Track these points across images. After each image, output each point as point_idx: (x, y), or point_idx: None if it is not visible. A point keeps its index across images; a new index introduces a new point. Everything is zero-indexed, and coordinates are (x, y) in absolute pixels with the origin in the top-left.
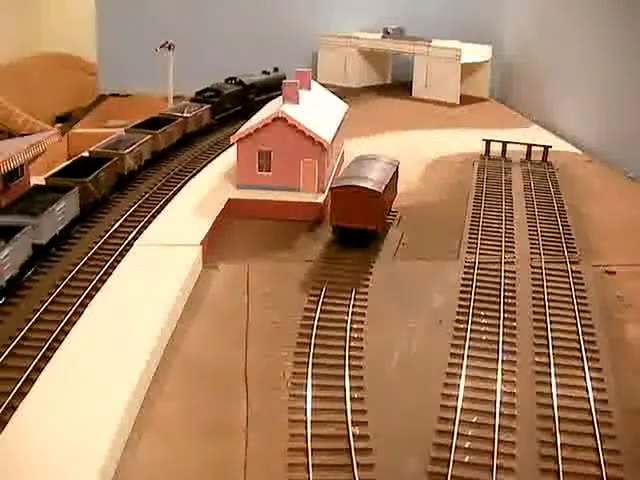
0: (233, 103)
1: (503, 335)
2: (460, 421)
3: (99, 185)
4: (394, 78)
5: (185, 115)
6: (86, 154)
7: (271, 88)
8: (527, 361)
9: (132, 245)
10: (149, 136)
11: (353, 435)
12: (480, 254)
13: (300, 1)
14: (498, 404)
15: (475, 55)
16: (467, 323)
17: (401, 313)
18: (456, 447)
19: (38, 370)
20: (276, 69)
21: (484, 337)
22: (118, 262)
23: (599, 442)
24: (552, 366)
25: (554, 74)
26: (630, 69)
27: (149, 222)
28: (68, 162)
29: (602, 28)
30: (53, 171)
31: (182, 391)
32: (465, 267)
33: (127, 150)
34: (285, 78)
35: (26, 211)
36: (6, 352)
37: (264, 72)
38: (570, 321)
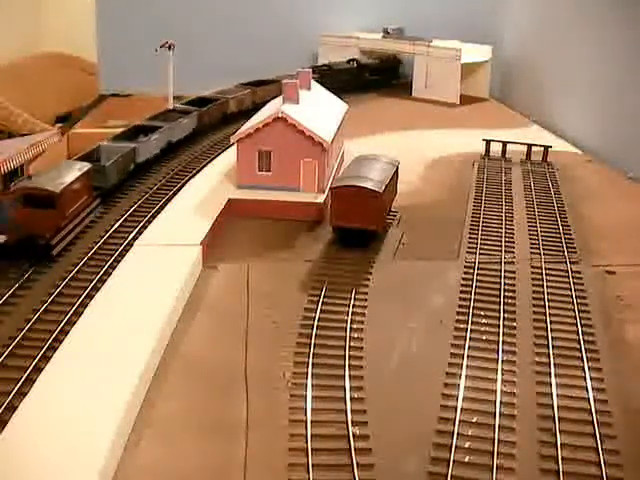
0: (345, 78)
1: (503, 335)
2: (460, 421)
3: (210, 115)
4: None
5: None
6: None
7: (384, 70)
8: (527, 361)
9: (132, 245)
10: (248, 90)
11: (353, 435)
12: (480, 254)
13: (300, 1)
14: (498, 404)
15: (475, 55)
16: (467, 323)
17: (401, 313)
18: (456, 447)
19: (38, 370)
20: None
21: (484, 337)
22: (118, 262)
23: (599, 442)
24: (552, 366)
25: (554, 74)
26: (630, 69)
27: (149, 222)
28: (191, 99)
29: (602, 28)
30: (182, 101)
31: (182, 391)
32: (465, 267)
33: (231, 96)
34: (400, 63)
35: (164, 120)
36: (6, 352)
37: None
38: (570, 321)
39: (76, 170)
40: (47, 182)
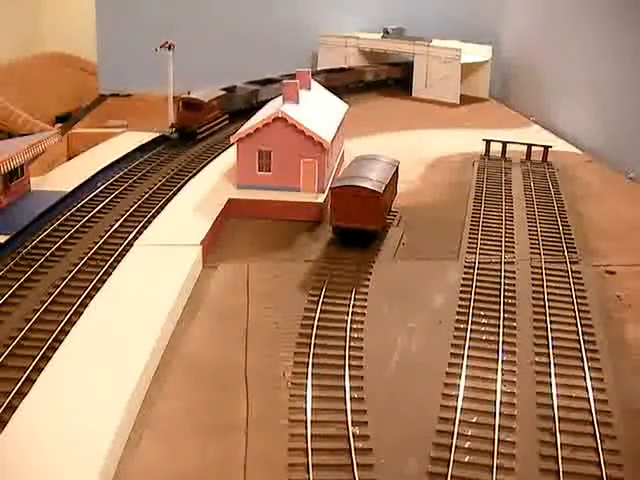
0: None
1: (503, 335)
2: (460, 421)
3: (335, 80)
4: None
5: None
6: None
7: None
8: (527, 361)
9: (132, 245)
10: (375, 68)
11: (353, 435)
12: (480, 254)
13: (300, 1)
14: (498, 404)
15: (475, 55)
16: (467, 323)
17: (401, 313)
18: (456, 447)
19: (38, 370)
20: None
21: (484, 337)
22: (118, 262)
23: (599, 442)
24: (552, 366)
25: (554, 74)
26: (630, 69)
27: (149, 222)
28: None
29: (602, 28)
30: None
31: (182, 391)
32: (465, 267)
33: (368, 69)
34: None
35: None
36: (6, 352)
37: None
38: (570, 321)
39: (217, 92)
40: (198, 95)
